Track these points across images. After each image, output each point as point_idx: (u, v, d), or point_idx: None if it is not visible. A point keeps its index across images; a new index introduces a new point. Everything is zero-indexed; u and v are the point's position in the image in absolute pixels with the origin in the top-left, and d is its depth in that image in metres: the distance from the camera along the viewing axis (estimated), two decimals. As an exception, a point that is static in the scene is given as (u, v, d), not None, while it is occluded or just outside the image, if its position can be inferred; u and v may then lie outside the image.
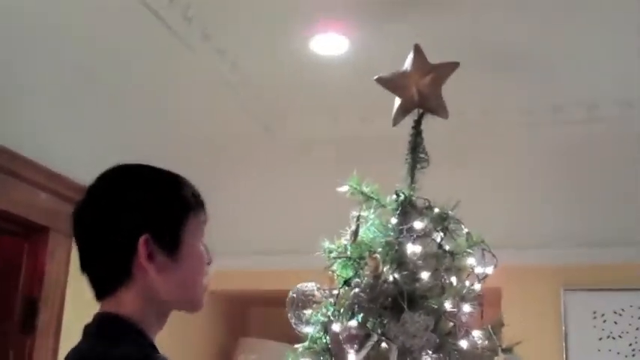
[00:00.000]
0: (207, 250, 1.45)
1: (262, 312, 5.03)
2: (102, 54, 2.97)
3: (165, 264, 1.35)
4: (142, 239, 1.32)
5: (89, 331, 1.36)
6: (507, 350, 2.23)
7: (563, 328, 4.02)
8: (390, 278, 2.13)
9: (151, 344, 1.34)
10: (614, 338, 3.97)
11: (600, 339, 3.98)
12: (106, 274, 1.37)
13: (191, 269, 1.40)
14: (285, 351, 2.23)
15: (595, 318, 4.02)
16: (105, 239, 1.36)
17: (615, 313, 4.00)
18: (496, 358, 2.18)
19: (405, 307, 2.05)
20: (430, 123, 2.54)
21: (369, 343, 2.01)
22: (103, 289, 1.38)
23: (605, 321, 4.00)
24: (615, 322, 3.99)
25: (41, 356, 2.87)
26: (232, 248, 3.90)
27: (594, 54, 3.12)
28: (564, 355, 3.97)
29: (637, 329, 3.95)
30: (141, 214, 1.35)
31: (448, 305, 2.14)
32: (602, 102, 3.56)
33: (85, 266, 1.40)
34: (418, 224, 2.26)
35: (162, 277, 1.35)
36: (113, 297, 1.36)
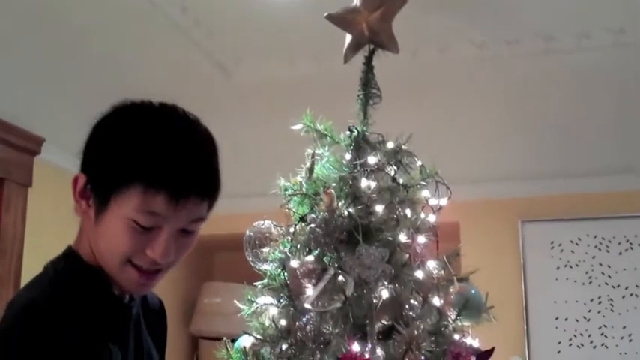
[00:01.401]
0: (154, 247, 1.21)
1: (226, 256, 5.05)
2: (57, 8, 2.91)
3: (92, 215, 1.25)
4: (76, 175, 1.28)
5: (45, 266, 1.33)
6: (463, 279, 2.28)
7: (522, 258, 4.10)
8: (345, 213, 2.15)
9: (107, 292, 1.28)
10: (570, 267, 4.07)
11: (558, 268, 4.08)
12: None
13: (104, 244, 1.24)
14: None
15: (552, 248, 4.11)
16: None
17: (572, 242, 4.09)
18: (452, 287, 2.22)
19: (361, 240, 2.07)
20: (383, 60, 2.54)
21: (326, 277, 2.04)
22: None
23: (562, 250, 4.10)
24: (572, 251, 4.08)
25: (1, 306, 2.87)
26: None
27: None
28: (523, 285, 4.06)
29: (593, 257, 4.05)
30: (88, 154, 1.29)
31: (403, 237, 2.17)
32: (558, 34, 3.57)
33: None
34: (372, 159, 2.27)
35: (88, 223, 1.28)
36: (80, 232, 1.33)
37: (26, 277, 3.10)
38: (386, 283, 2.08)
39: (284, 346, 2.06)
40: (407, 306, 2.14)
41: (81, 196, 1.27)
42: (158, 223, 1.21)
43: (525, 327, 4.01)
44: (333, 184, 2.23)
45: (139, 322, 1.38)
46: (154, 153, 1.19)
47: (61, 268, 1.29)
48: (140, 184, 1.18)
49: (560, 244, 4.10)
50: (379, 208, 2.19)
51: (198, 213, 1.25)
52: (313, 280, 2.04)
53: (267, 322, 2.14)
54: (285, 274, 2.14)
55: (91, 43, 3.24)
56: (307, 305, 2.01)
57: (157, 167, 1.18)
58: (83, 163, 1.29)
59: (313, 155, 2.32)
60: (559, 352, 3.99)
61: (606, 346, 3.95)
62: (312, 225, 2.16)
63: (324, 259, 2.12)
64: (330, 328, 2.03)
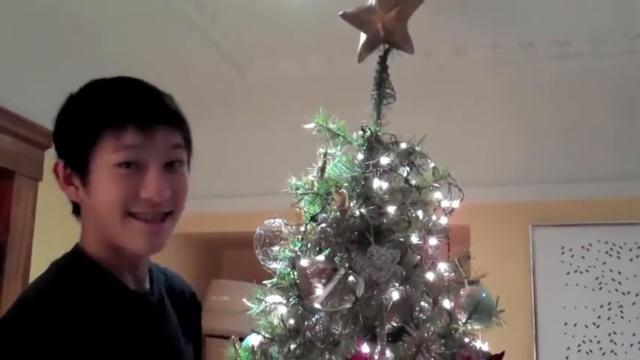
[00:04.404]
0: (147, 179, 1.23)
1: (235, 254, 5.04)
2: (70, 3, 2.91)
3: (82, 194, 1.26)
4: (55, 163, 1.29)
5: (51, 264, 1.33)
6: (473, 282, 2.25)
7: (532, 263, 4.07)
8: (357, 213, 2.13)
9: (116, 288, 1.27)
10: (581, 272, 4.04)
11: (568, 273, 4.05)
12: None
13: (99, 205, 1.23)
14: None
15: (563, 253, 4.08)
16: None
17: (583, 247, 4.07)
18: (462, 289, 2.20)
19: (372, 240, 2.06)
20: (398, 60, 2.53)
21: (337, 277, 2.02)
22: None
23: (572, 256, 4.07)
24: (583, 257, 4.06)
25: (9, 300, 2.86)
26: (204, 191, 3.89)
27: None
28: (532, 289, 4.03)
29: (604, 263, 4.02)
30: (56, 138, 1.31)
31: (414, 238, 2.15)
32: (573, 38, 3.55)
33: None
34: (384, 159, 2.26)
35: (85, 210, 1.28)
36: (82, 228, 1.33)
37: (35, 273, 3.11)
38: (397, 284, 2.07)
39: (292, 346, 2.05)
40: (417, 308, 2.12)
41: (67, 182, 1.27)
42: (139, 157, 1.23)
43: (534, 332, 3.99)
44: (345, 184, 2.22)
45: (163, 313, 1.35)
46: (109, 97, 1.25)
47: (63, 265, 1.28)
48: (108, 130, 1.22)
49: (570, 250, 4.08)
50: (391, 209, 2.17)
51: (172, 139, 1.27)
52: (323, 280, 2.03)
53: (275, 322, 2.13)
54: (295, 273, 2.12)
55: (105, 40, 3.24)
56: (317, 305, 1.99)
57: (117, 107, 1.23)
58: (57, 151, 1.31)
59: (325, 154, 2.31)
60: (567, 358, 3.96)
61: (615, 353, 3.92)
62: (323, 224, 2.14)
63: (334, 259, 2.10)
64: (340, 329, 2.01)
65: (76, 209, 1.32)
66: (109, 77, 1.34)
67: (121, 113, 1.23)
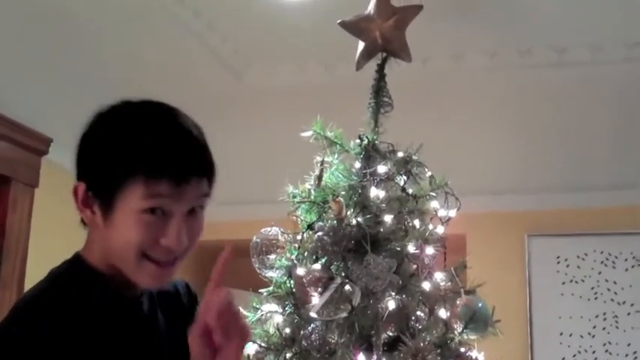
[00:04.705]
0: (168, 235, 1.21)
1: (231, 262, 5.02)
2: (69, 6, 2.91)
3: (99, 220, 1.24)
4: (75, 185, 1.26)
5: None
6: (470, 292, 2.25)
7: (527, 272, 4.07)
8: (354, 222, 2.13)
9: (116, 296, 1.27)
10: (576, 282, 4.04)
11: (563, 283, 4.05)
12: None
13: (118, 241, 1.22)
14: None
15: (559, 263, 4.08)
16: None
17: (578, 257, 4.06)
18: (458, 299, 2.20)
19: (369, 249, 2.06)
20: (395, 68, 2.53)
21: (333, 286, 2.02)
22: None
23: (568, 265, 4.06)
24: (578, 267, 4.05)
25: (4, 307, 2.85)
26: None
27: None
28: (528, 299, 4.03)
29: (599, 273, 4.02)
30: (81, 160, 1.27)
31: (411, 248, 2.15)
32: (571, 45, 3.55)
33: None
34: (382, 168, 2.26)
35: (96, 231, 1.27)
36: (88, 239, 1.31)
37: (30, 279, 3.09)
38: (393, 293, 2.07)
39: (288, 355, 2.05)
40: (413, 317, 2.12)
41: (84, 205, 1.25)
42: (167, 206, 1.21)
43: (530, 342, 3.98)
44: (342, 193, 2.22)
45: (155, 317, 1.36)
46: (149, 142, 1.20)
47: (61, 272, 1.28)
48: (141, 175, 1.18)
49: (566, 259, 4.08)
50: (388, 218, 2.18)
51: (202, 189, 1.25)
52: (320, 289, 2.03)
53: (271, 330, 2.12)
54: (292, 282, 2.12)
55: (102, 44, 3.23)
56: (313, 314, 1.99)
57: (155, 155, 1.19)
58: (79, 171, 1.27)
59: (322, 163, 2.31)
60: (563, 367, 3.96)
61: (610, 364, 3.92)
62: (320, 233, 2.14)
63: (331, 268, 2.10)
64: (336, 338, 2.01)
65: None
66: (142, 103, 1.29)
67: (158, 163, 1.19)
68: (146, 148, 1.20)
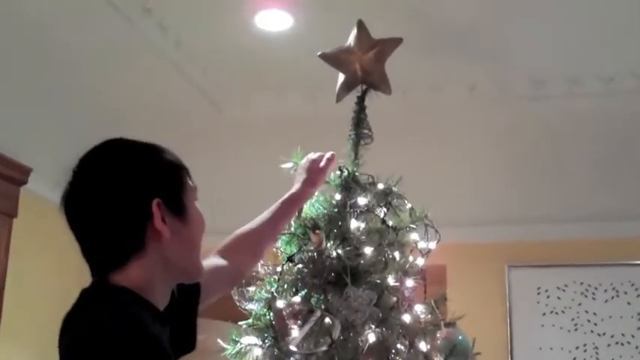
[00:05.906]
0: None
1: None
2: (41, 31, 2.90)
3: (177, 227, 1.36)
4: (154, 203, 1.32)
5: (89, 295, 1.31)
6: (450, 324, 2.25)
7: (508, 304, 4.07)
8: (334, 254, 2.12)
9: (157, 314, 1.32)
10: (557, 313, 4.05)
11: (544, 314, 4.06)
12: (116, 248, 1.32)
13: (197, 231, 1.43)
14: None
15: (539, 294, 4.09)
16: (112, 213, 1.31)
17: (559, 288, 4.08)
18: (438, 332, 2.19)
19: (349, 281, 2.05)
20: (375, 100, 2.54)
21: (313, 319, 2.01)
22: (109, 266, 1.33)
23: (548, 297, 4.08)
24: (558, 298, 4.07)
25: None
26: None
27: (542, 31, 3.14)
28: (508, 330, 4.03)
29: (579, 304, 4.03)
30: (147, 180, 1.36)
31: (391, 280, 2.14)
32: (549, 79, 3.59)
33: (88, 249, 1.35)
34: (362, 200, 2.25)
35: (176, 240, 1.36)
36: (122, 271, 1.32)
37: (7, 309, 3.06)
38: (373, 326, 2.05)
39: (268, 389, 2.02)
40: (393, 350, 2.10)
41: (163, 220, 1.34)
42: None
43: (511, 374, 3.98)
44: (322, 224, 2.21)
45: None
46: (168, 152, 1.44)
47: (111, 294, 1.30)
48: (185, 173, 1.44)
49: (546, 290, 4.09)
50: (368, 250, 2.17)
51: None
52: (299, 322, 2.01)
53: (251, 363, 2.10)
54: (271, 314, 2.10)
55: (83, 75, 3.23)
56: (292, 347, 1.97)
57: (177, 157, 1.44)
58: (145, 193, 1.34)
59: (302, 194, 2.29)
60: (544, 399, 3.95)
61: (591, 395, 3.91)
62: (300, 265, 2.13)
63: (311, 301, 2.09)
64: (316, 372, 1.99)
65: (124, 255, 1.33)
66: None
67: (181, 162, 1.44)
68: (171, 155, 1.43)
